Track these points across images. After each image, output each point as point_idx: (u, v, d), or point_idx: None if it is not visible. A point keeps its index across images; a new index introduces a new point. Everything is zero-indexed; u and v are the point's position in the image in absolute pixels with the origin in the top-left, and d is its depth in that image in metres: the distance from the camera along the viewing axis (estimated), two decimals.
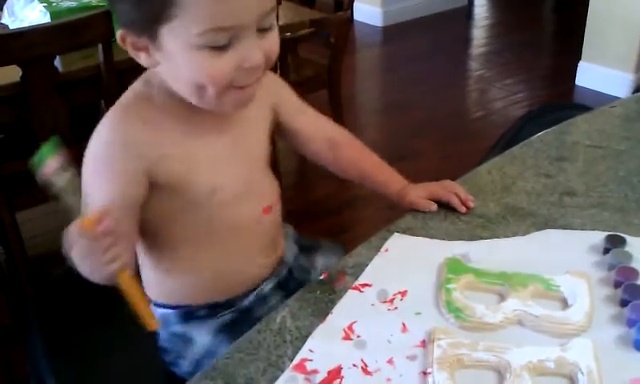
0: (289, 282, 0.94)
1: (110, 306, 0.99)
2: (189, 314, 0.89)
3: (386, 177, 0.99)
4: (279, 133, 0.96)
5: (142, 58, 0.75)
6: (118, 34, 0.74)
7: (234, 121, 0.84)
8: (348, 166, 1.00)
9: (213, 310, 0.89)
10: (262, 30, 0.73)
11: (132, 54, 0.75)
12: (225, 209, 0.83)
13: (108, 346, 0.96)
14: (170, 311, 0.90)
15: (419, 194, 0.94)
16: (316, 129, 0.98)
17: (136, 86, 0.81)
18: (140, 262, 0.89)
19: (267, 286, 0.92)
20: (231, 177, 0.84)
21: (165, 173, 0.77)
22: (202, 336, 0.88)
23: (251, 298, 0.90)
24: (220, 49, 0.70)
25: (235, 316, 0.89)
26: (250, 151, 0.88)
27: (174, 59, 0.72)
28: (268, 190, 0.91)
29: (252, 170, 0.88)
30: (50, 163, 0.64)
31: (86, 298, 0.99)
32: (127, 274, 0.67)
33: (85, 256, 0.65)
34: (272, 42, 0.75)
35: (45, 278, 0.96)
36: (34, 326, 0.97)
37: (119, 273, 0.66)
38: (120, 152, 0.75)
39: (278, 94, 0.93)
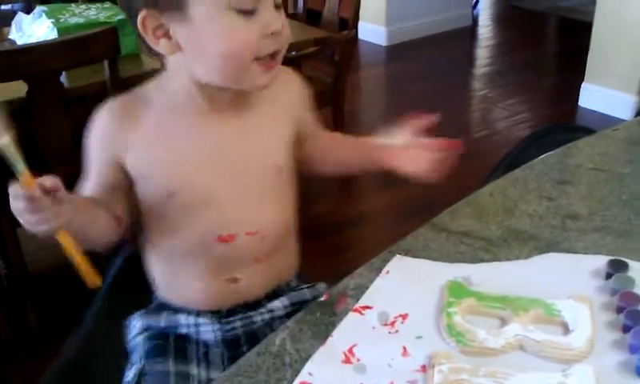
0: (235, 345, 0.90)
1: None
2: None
3: (364, 149, 0.94)
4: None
5: (161, 45, 0.77)
6: (140, 17, 0.75)
7: (242, 123, 0.85)
8: (333, 166, 1.00)
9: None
10: (277, 6, 0.77)
11: (152, 42, 0.77)
12: (180, 216, 0.84)
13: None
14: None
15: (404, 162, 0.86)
16: (326, 152, 0.98)
17: (142, 87, 0.85)
18: None
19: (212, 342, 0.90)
20: (190, 183, 0.83)
21: (130, 165, 0.82)
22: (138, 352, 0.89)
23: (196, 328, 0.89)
24: (247, 13, 0.74)
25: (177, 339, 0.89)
26: (243, 160, 0.85)
27: (201, 30, 0.74)
28: (257, 214, 0.86)
29: (241, 182, 0.85)
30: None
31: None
32: (65, 234, 0.71)
33: (21, 212, 0.68)
34: (285, 19, 0.79)
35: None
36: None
37: (57, 232, 0.70)
38: (96, 141, 0.84)
39: (303, 107, 0.93)
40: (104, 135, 0.83)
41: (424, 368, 0.68)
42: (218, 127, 0.83)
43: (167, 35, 0.76)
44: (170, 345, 0.88)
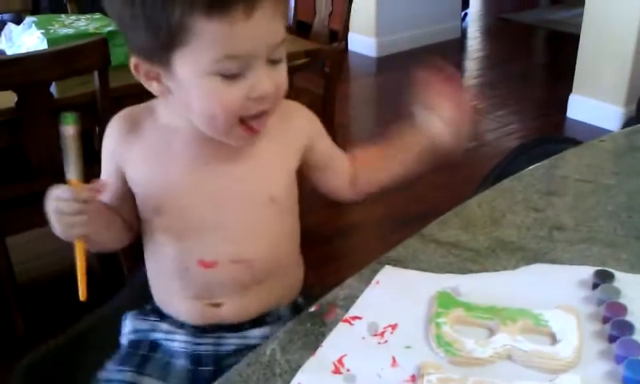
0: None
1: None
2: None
3: (407, 147, 0.94)
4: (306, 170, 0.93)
5: (154, 87, 0.77)
6: (131, 62, 0.75)
7: (240, 152, 0.83)
8: (371, 185, 0.96)
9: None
10: (272, 62, 0.75)
11: (144, 83, 0.77)
12: (164, 234, 0.86)
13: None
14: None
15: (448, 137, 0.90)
16: (342, 169, 0.96)
17: (155, 99, 0.84)
18: None
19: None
20: (175, 205, 0.84)
21: (128, 178, 0.85)
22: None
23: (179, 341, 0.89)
24: (231, 77, 0.72)
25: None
26: (235, 189, 0.84)
27: (186, 87, 0.74)
28: (244, 244, 0.85)
29: (229, 211, 0.84)
30: (69, 127, 0.75)
31: None
32: (83, 244, 0.76)
33: (64, 213, 0.72)
34: (282, 75, 0.77)
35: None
36: None
37: (78, 239, 0.75)
38: (105, 150, 0.86)
39: (312, 135, 0.92)
40: (111, 145, 0.85)
41: (413, 378, 0.68)
42: (215, 154, 0.82)
43: (159, 80, 0.76)
44: (137, 353, 0.89)
